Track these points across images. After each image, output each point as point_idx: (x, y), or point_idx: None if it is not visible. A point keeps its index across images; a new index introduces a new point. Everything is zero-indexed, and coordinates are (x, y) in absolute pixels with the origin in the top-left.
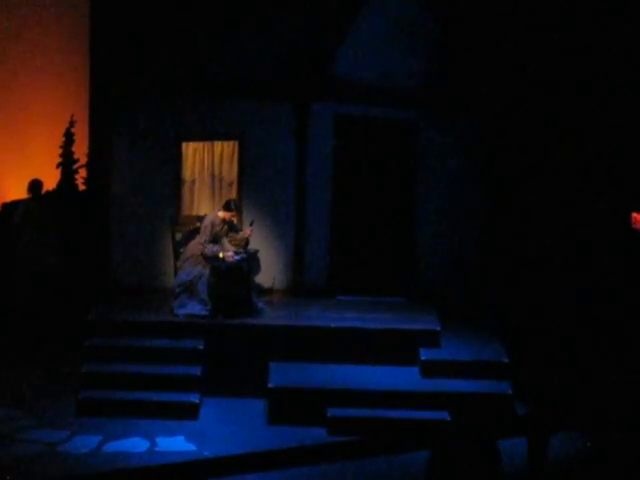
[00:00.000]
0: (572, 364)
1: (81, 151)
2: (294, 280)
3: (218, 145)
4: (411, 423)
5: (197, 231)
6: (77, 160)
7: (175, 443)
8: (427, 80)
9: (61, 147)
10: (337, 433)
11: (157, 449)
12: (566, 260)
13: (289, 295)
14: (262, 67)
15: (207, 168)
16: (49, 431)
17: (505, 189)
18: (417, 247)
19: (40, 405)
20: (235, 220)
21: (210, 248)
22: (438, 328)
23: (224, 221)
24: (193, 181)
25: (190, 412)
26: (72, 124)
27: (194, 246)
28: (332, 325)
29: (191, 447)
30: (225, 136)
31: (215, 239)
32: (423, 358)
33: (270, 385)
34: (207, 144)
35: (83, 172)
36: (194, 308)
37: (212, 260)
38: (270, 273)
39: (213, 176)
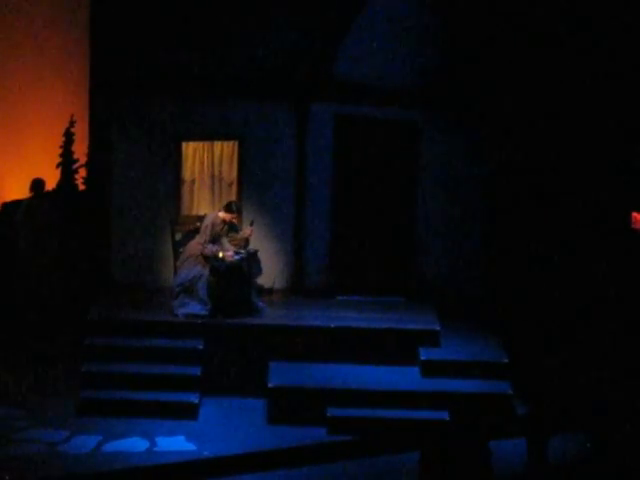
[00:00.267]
0: (572, 364)
1: (81, 151)
2: (294, 280)
3: (218, 145)
4: (411, 423)
5: (197, 231)
6: (77, 160)
7: (175, 443)
8: (428, 80)
9: (61, 147)
10: (337, 433)
11: (157, 449)
12: (566, 260)
13: (289, 295)
14: (262, 67)
15: (207, 168)
16: (49, 431)
17: (505, 189)
18: (417, 247)
19: (40, 405)
20: (236, 222)
21: (210, 248)
22: (438, 328)
23: (224, 222)
24: (193, 181)
25: (190, 412)
26: (72, 124)
27: (194, 246)
28: (332, 325)
29: (191, 447)
30: (225, 136)
31: (215, 239)
32: (423, 358)
33: (270, 385)
34: (207, 144)
35: (83, 172)
36: (194, 308)
37: (212, 260)
38: (270, 273)
39: (213, 176)
